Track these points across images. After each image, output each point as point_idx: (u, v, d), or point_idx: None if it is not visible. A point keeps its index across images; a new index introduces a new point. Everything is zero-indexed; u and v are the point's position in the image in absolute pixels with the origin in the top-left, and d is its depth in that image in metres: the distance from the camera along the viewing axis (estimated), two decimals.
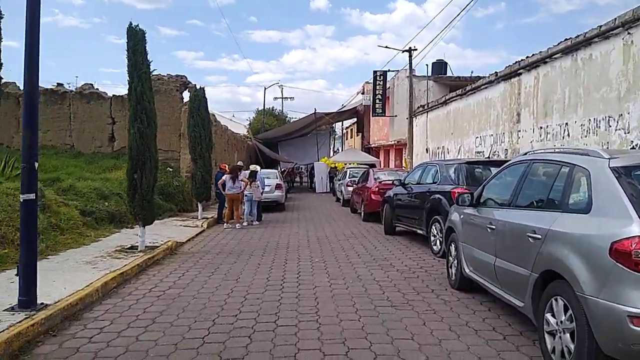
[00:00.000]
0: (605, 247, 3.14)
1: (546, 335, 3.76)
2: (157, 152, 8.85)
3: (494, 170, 8.41)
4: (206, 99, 13.71)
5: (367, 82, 30.74)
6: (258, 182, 13.78)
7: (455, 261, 6.17)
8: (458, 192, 7.86)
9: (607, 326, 3.06)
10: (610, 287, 3.07)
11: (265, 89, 42.97)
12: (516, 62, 11.06)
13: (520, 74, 10.85)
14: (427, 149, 19.48)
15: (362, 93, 31.72)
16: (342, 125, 54.46)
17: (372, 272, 7.17)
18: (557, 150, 4.66)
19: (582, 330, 3.25)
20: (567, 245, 3.57)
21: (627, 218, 3.13)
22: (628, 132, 7.21)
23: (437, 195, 8.61)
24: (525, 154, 5.12)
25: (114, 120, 17.52)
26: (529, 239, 4.08)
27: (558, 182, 4.11)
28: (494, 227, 4.87)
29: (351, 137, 48.25)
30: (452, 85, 22.08)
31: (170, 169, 16.28)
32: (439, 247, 8.34)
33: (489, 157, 9.60)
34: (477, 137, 13.77)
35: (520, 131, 10.92)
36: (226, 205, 13.02)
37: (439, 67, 27.48)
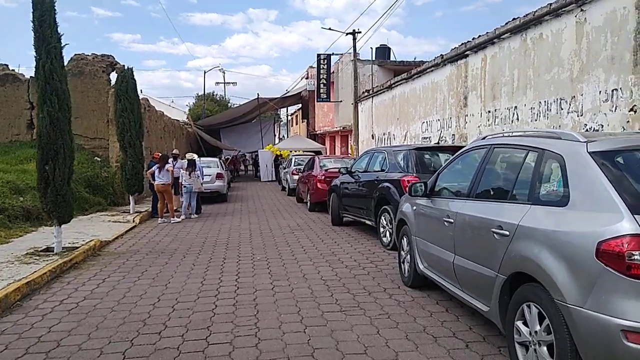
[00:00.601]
0: (591, 247, 2.66)
1: (517, 347, 3.28)
2: (72, 140, 7.77)
3: (444, 156, 8.05)
4: (135, 80, 12.52)
5: (311, 67, 30.06)
6: (198, 171, 12.84)
7: (408, 256, 5.67)
8: (409, 181, 7.41)
9: (596, 342, 2.59)
10: (599, 296, 2.59)
11: (205, 72, 40.93)
12: (462, 43, 10.73)
13: (467, 55, 10.53)
14: (372, 135, 19.12)
15: (307, 78, 31.00)
16: (287, 111, 53.61)
17: (319, 270, 6.57)
18: (521, 133, 4.19)
19: (563, 345, 2.77)
20: (540, 244, 3.08)
21: (616, 212, 2.65)
22: (581, 115, 6.97)
23: (386, 184, 8.11)
24: (484, 137, 4.64)
25: (33, 105, 15.81)
26: (494, 235, 3.59)
27: (525, 169, 3.64)
28: (451, 220, 4.37)
29: (296, 124, 47.52)
30: (396, 70, 21.82)
31: (98, 159, 14.96)
32: (389, 238, 7.87)
33: (437, 143, 9.23)
34: (424, 122, 13.46)
35: (467, 115, 10.63)
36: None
37: (383, 52, 27.23)
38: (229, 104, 43.37)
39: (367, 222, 8.98)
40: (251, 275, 6.35)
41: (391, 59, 25.64)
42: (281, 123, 64.23)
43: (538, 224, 3.19)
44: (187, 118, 33.54)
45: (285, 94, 33.33)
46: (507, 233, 3.44)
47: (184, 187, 12.61)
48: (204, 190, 14.57)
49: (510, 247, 3.39)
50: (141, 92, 40.27)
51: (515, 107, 8.67)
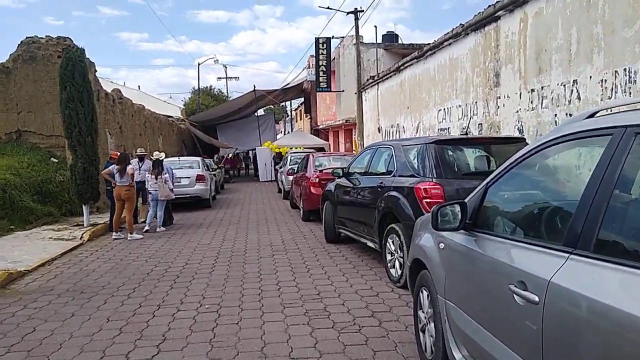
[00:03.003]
0: None
1: None
2: None
3: (476, 154, 5.65)
4: (84, 62, 10.21)
5: (312, 56, 27.63)
6: (166, 174, 10.54)
7: (431, 325, 3.32)
8: (426, 190, 5.06)
9: None
10: None
11: (199, 64, 38.49)
12: (490, 5, 8.28)
13: (498, 18, 8.06)
14: (379, 128, 16.71)
15: (308, 68, 28.54)
16: (291, 106, 51.39)
17: (290, 332, 4.22)
18: None
19: None
20: None
21: None
22: None
23: (393, 193, 5.73)
24: (593, 115, 2.26)
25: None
26: None
27: None
28: (534, 297, 1.99)
29: (300, 119, 45.12)
30: (405, 54, 19.29)
31: (55, 160, 12.71)
32: (399, 271, 5.50)
33: (464, 134, 6.82)
34: (440, 110, 11.02)
35: (500, 97, 8.18)
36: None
37: (390, 39, 24.87)
38: (228, 99, 40.92)
39: (369, 243, 6.61)
40: (180, 347, 4.01)
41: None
42: (287, 119, 61.86)
43: None
44: (181, 113, 31.37)
45: (286, 85, 30.90)
46: None
47: (149, 193, 10.39)
48: (179, 197, 12.35)
49: None
50: (139, 88, 37.96)
51: (575, 81, 6.21)
